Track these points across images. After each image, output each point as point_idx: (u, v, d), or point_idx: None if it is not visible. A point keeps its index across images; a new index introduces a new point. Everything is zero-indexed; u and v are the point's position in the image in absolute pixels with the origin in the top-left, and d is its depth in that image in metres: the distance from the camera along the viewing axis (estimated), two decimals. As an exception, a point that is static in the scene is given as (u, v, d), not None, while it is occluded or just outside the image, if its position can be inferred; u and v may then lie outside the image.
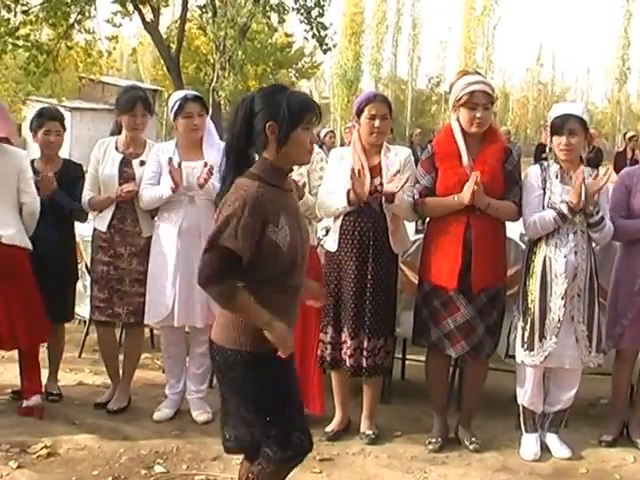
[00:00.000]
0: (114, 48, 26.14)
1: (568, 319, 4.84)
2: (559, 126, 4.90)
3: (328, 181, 5.17)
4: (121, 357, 5.86)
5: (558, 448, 5.04)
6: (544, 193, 4.91)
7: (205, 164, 5.17)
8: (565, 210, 4.75)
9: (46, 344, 5.92)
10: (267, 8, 24.34)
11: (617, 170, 5.65)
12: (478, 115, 4.84)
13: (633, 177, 5.17)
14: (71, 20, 23.06)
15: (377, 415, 5.30)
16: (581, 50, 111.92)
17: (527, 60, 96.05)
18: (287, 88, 3.32)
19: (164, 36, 25.12)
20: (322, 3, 24.40)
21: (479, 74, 5.12)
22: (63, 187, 5.59)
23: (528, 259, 4.99)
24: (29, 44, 22.70)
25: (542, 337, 4.86)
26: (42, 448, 4.88)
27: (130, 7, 23.63)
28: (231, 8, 22.22)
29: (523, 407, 5.10)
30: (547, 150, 5.11)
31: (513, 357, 5.12)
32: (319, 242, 5.76)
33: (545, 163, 5.05)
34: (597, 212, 4.81)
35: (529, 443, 5.05)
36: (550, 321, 4.83)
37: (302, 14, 24.45)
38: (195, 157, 5.32)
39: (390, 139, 5.34)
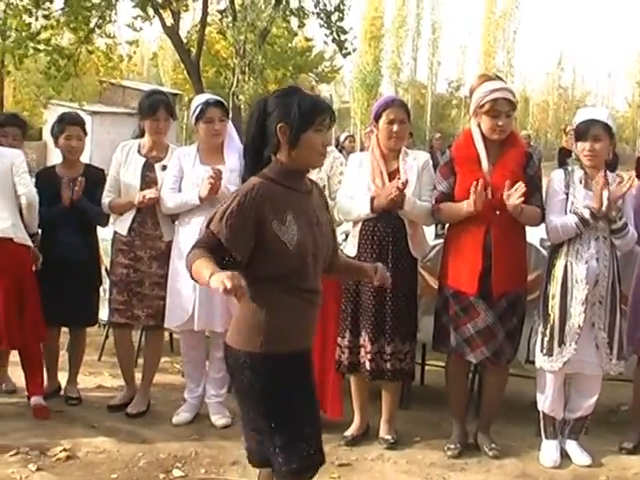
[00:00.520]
0: (134, 52, 26.24)
1: (588, 325, 4.81)
2: (583, 131, 4.87)
3: (347, 186, 5.18)
4: (141, 361, 5.89)
5: (578, 455, 5.01)
6: (567, 198, 4.88)
7: (212, 168, 5.19)
8: (587, 215, 4.72)
9: (66, 347, 5.97)
10: (287, 12, 24.42)
11: (638, 175, 5.64)
12: (500, 123, 4.83)
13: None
14: (92, 24, 23.16)
15: (396, 420, 5.29)
16: (602, 54, 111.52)
17: (547, 64, 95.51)
18: (300, 90, 3.32)
19: (184, 40, 25.20)
20: (342, 7, 24.45)
21: (500, 79, 5.09)
22: (85, 192, 5.61)
23: (549, 264, 4.96)
24: (50, 48, 22.80)
25: (562, 343, 4.83)
26: (61, 451, 4.89)
27: (151, 11, 23.70)
28: (251, 12, 22.29)
29: (543, 413, 5.07)
30: (572, 155, 5.04)
31: (533, 363, 5.10)
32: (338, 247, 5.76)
33: (569, 168, 5.01)
34: (620, 218, 4.77)
35: (549, 450, 5.03)
36: (570, 327, 4.80)
37: (322, 18, 24.49)
38: (216, 162, 5.33)
39: (410, 143, 5.35)
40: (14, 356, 5.72)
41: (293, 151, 3.20)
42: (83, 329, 5.98)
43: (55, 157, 6.03)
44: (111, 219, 5.88)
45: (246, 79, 23.22)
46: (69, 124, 5.76)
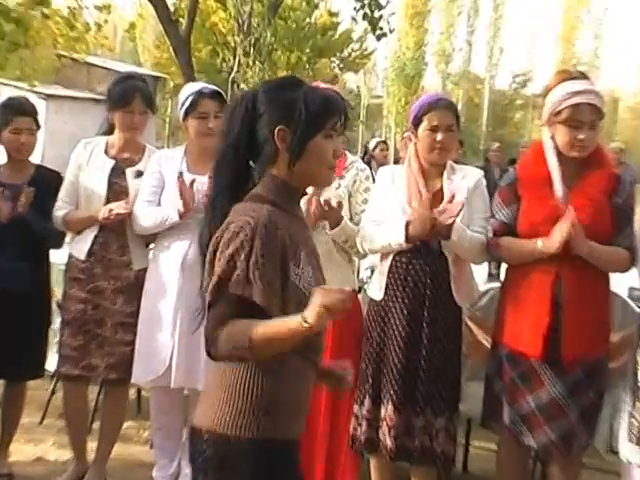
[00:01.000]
0: (105, 21, 26.30)
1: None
2: None
3: (375, 208, 5.19)
4: (96, 426, 5.88)
5: None
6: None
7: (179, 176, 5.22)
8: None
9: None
10: (306, -23, 24.54)
11: None
12: (581, 137, 4.74)
13: None
14: (48, -21, 23.29)
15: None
16: None
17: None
18: (303, 82, 3.22)
19: (171, 8, 25.33)
20: (378, -27, 24.47)
21: (585, 77, 4.98)
22: (35, 202, 5.56)
23: (643, 323, 4.93)
24: (-7, 10, 22.95)
25: (657, 428, 4.77)
26: None
27: (129, -32, 23.90)
28: (259, -25, 22.43)
29: (628, 520, 5.02)
30: None
31: (617, 453, 5.04)
32: (361, 286, 5.77)
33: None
34: None
35: None
36: (669, 407, 4.75)
37: (351, -14, 24.57)
38: (208, 169, 5.33)
39: (458, 156, 5.35)
40: None
41: (296, 163, 3.10)
42: (24, 382, 5.96)
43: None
44: (67, 238, 5.87)
45: (250, 63, 23.32)
46: (17, 114, 5.75)
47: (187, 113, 5.44)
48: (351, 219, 5.25)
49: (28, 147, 5.81)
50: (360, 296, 5.53)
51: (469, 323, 5.49)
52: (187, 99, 5.44)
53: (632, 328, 5.15)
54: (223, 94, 5.63)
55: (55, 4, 24.53)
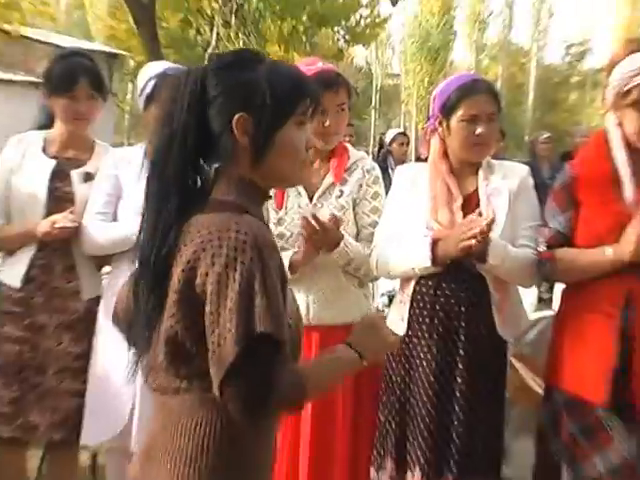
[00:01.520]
0: (47, -19, 26.51)
1: None
2: None
3: (392, 220, 5.19)
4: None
5: None
6: None
7: None
8: None
9: None
10: None
11: None
12: None
13: None
14: None
15: None
16: None
17: None
18: (264, 57, 3.18)
19: (131, -34, 25.45)
20: None
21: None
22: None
23: None
24: None
25: None
26: None
27: None
28: None
29: None
30: None
31: None
32: (378, 315, 5.77)
33: None
34: None
35: None
36: None
37: None
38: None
39: (498, 149, 5.32)
40: None
41: (261, 159, 3.07)
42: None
43: None
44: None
45: (232, 35, 23.40)
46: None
47: (149, 101, 5.44)
48: (358, 234, 5.24)
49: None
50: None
51: (515, 362, 5.47)
52: (147, 83, 5.45)
53: None
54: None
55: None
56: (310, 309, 5.15)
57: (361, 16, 45.94)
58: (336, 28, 44.62)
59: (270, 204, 5.28)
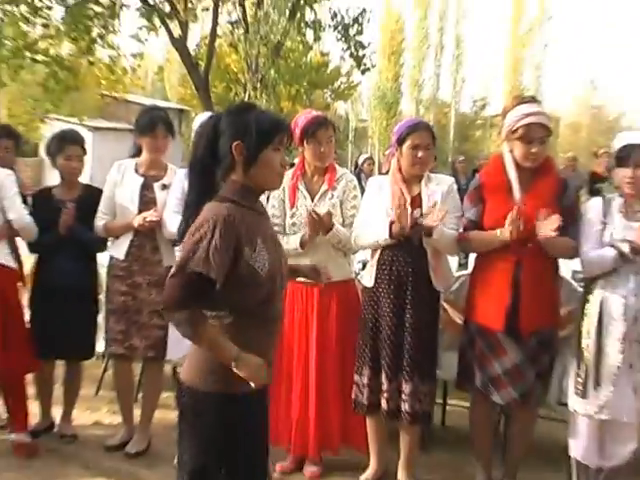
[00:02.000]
0: (139, 65, 26.30)
1: (626, 366, 4.69)
2: (624, 157, 4.78)
3: (366, 211, 5.17)
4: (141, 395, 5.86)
5: (613, 506, 4.94)
6: (604, 228, 4.79)
7: None
8: (626, 250, 4.62)
9: (61, 381, 5.94)
10: (302, 25, 24.47)
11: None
12: (533, 150, 4.77)
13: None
14: (93, 34, 23.20)
15: (415, 464, 5.26)
16: (638, 71, 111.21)
17: (579, 82, 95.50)
18: (255, 106, 3.29)
19: (192, 53, 25.28)
20: (360, 20, 24.48)
21: (536, 101, 4.97)
22: (84, 214, 5.60)
23: (583, 299, 4.89)
24: (48, 59, 22.79)
25: (597, 385, 4.73)
26: (54, 493, 4.87)
27: (157, 22, 23.78)
28: (264, 25, 22.31)
29: (575, 460, 4.99)
30: (607, 181, 4.94)
31: (566, 405, 5.03)
32: (356, 276, 5.75)
33: (608, 196, 4.94)
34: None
35: (581, 500, 4.96)
36: (606, 367, 4.71)
37: (339, 32, 24.54)
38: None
39: (432, 167, 5.32)
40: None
41: (249, 171, 3.18)
42: (80, 362, 5.96)
43: (52, 175, 6.02)
44: (108, 243, 5.86)
45: (258, 95, 23.23)
46: (69, 143, 5.75)
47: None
48: (343, 222, 5.23)
49: (78, 171, 5.82)
50: (356, 283, 5.52)
51: (444, 304, 5.46)
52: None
53: (575, 304, 5.15)
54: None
55: (99, 53, 24.52)
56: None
57: (341, 82, 45.86)
58: (325, 90, 44.53)
59: (286, 204, 5.29)
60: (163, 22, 23.64)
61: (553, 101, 62.77)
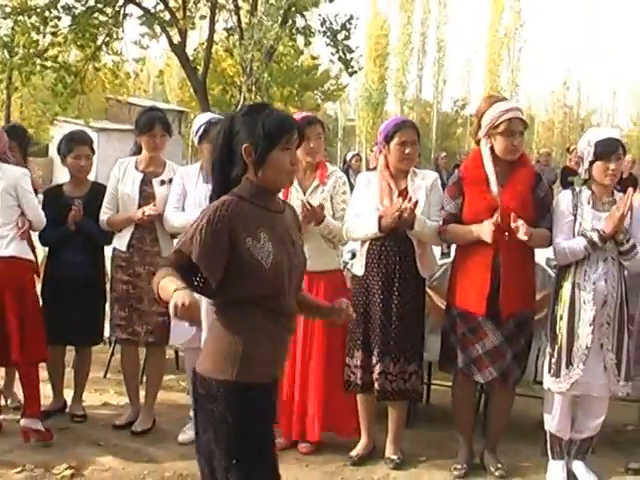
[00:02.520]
0: (141, 70, 26.37)
1: (596, 347, 4.77)
2: (607, 151, 4.77)
3: (355, 205, 5.19)
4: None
5: (584, 475, 4.98)
6: (575, 219, 4.84)
7: None
8: (596, 238, 4.68)
9: (72, 365, 5.96)
10: (293, 31, 24.47)
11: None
12: (515, 143, 4.83)
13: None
14: (99, 42, 23.24)
15: (402, 440, 5.27)
16: (607, 72, 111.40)
17: (553, 82, 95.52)
18: (266, 107, 3.17)
19: (191, 58, 25.26)
20: (348, 26, 24.51)
21: (506, 99, 5.06)
22: (91, 209, 5.62)
23: (557, 285, 4.94)
24: (57, 65, 22.85)
25: (569, 364, 4.79)
26: (66, 469, 4.90)
27: (157, 29, 23.81)
28: (258, 31, 22.29)
29: (550, 433, 5.04)
30: (583, 175, 4.93)
31: (541, 383, 5.07)
32: (345, 265, 5.77)
33: (577, 188, 4.97)
34: (628, 240, 4.73)
35: (555, 470, 5.00)
36: (578, 348, 4.77)
37: (328, 37, 24.56)
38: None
39: (418, 162, 5.34)
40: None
41: (260, 171, 3.07)
42: (89, 347, 5.97)
43: (61, 173, 6.04)
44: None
45: (252, 97, 23.20)
46: (78, 143, 5.77)
47: (201, 139, 5.45)
48: (333, 215, 5.24)
49: (87, 169, 5.83)
50: (344, 273, 5.53)
51: (429, 291, 5.48)
52: (200, 127, 5.46)
53: (549, 289, 5.19)
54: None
55: (103, 59, 24.52)
56: (304, 261, 5.13)
57: (330, 84, 45.85)
58: (316, 92, 44.48)
59: (279, 196, 5.29)
60: (163, 30, 23.67)
61: (529, 101, 62.48)
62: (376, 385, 5.05)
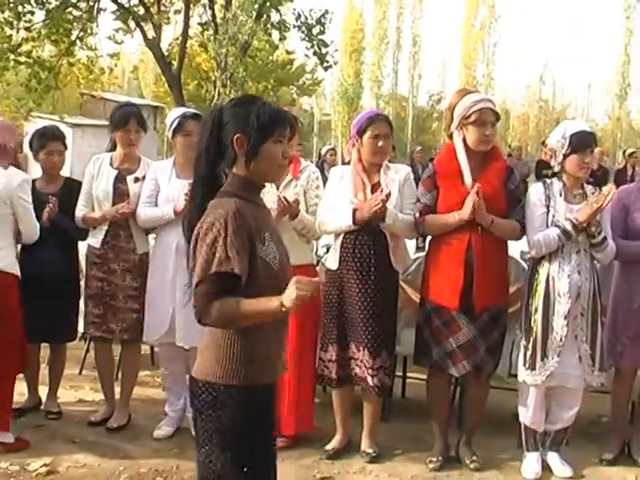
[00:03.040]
0: (115, 65, 26.11)
1: (571, 338, 4.82)
2: (582, 144, 4.82)
3: (329, 199, 5.18)
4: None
5: (559, 467, 5.02)
6: (548, 211, 4.88)
7: (189, 184, 5.19)
8: (569, 227, 4.73)
9: (46, 362, 5.93)
10: (268, 26, 24.40)
11: (618, 187, 5.64)
12: (487, 133, 4.86)
13: (630, 195, 5.15)
14: (73, 37, 23.05)
15: (378, 433, 5.28)
16: (581, 67, 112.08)
17: (527, 77, 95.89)
18: (258, 99, 3.11)
19: (165, 53, 25.13)
20: (323, 21, 24.46)
21: (478, 92, 5.09)
22: (65, 206, 5.56)
23: (531, 278, 4.97)
24: (31, 61, 22.64)
25: (544, 356, 4.83)
26: (41, 466, 4.87)
27: (132, 24, 23.66)
28: (232, 26, 22.20)
29: (524, 426, 5.08)
30: (556, 167, 4.95)
31: (515, 376, 5.11)
32: (319, 260, 5.77)
33: (548, 181, 5.00)
34: (599, 232, 4.78)
35: (530, 462, 5.04)
36: (552, 340, 4.81)
37: (303, 32, 24.49)
38: (192, 176, 5.31)
39: (391, 157, 5.34)
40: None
41: (251, 163, 2.99)
42: (63, 344, 5.94)
43: (35, 169, 5.98)
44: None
45: (227, 92, 23.11)
46: (50, 139, 5.72)
47: (175, 132, 5.42)
48: (307, 210, 5.23)
49: (59, 165, 5.79)
50: (318, 268, 5.52)
51: (403, 284, 5.49)
52: (174, 121, 5.43)
53: (522, 282, 5.22)
54: (202, 115, 5.52)
55: (78, 54, 24.37)
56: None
57: (306, 79, 45.78)
58: (291, 86, 44.42)
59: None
60: (138, 24, 23.51)
61: (504, 95, 62.71)
62: (375, 380, 5.04)
